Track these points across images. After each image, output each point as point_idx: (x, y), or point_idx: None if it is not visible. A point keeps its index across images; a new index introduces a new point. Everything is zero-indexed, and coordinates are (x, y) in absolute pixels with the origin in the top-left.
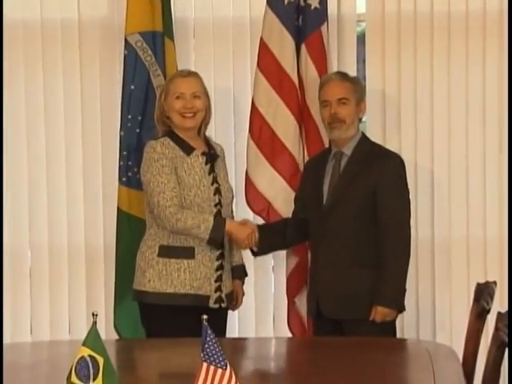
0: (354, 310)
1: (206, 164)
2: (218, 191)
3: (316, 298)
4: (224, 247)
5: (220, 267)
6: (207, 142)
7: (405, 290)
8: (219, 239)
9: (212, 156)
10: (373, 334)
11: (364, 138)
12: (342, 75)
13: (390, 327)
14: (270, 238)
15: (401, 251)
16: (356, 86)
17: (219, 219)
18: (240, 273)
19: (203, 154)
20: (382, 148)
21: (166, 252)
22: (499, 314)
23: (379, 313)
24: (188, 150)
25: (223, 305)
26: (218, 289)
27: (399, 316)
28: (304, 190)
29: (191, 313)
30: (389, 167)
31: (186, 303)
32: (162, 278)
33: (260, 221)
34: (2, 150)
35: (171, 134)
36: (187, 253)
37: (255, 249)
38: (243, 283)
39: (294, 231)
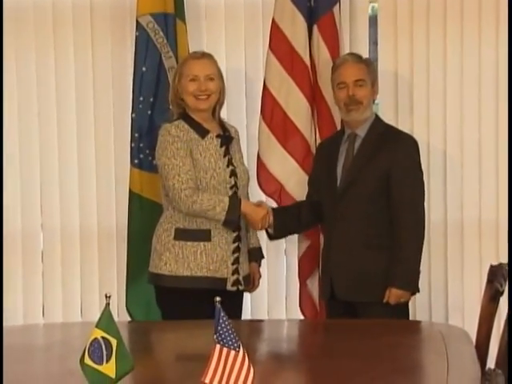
0: (367, 291)
1: (221, 146)
2: (233, 173)
3: (330, 280)
4: (241, 229)
5: (237, 250)
6: (221, 124)
7: (419, 272)
8: (235, 220)
9: (227, 138)
10: (386, 316)
11: (378, 120)
12: (357, 57)
13: (403, 309)
14: (285, 220)
15: (415, 233)
16: (370, 67)
17: (235, 200)
18: (257, 255)
19: (218, 136)
20: (395, 129)
21: (183, 235)
22: None
23: (393, 295)
24: (203, 132)
25: (240, 287)
26: (236, 271)
27: (412, 298)
28: (317, 173)
29: (208, 296)
30: (403, 149)
31: (202, 286)
32: (179, 261)
33: (272, 203)
34: (2, 134)
35: (185, 117)
36: (203, 235)
37: (271, 231)
38: (260, 265)
39: (309, 214)
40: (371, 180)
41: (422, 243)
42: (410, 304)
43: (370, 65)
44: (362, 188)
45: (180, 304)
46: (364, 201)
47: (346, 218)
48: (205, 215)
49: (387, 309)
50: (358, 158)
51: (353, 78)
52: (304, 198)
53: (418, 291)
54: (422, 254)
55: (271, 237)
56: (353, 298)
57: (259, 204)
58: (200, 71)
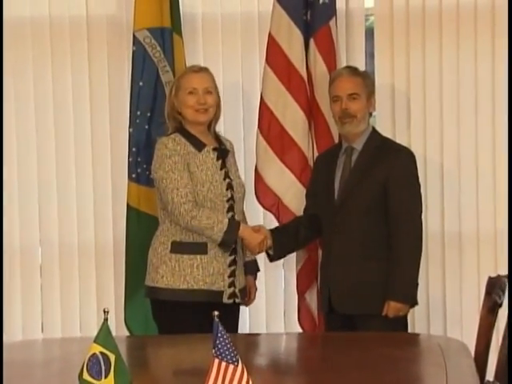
0: (365, 304)
1: (218, 159)
2: (230, 186)
3: (328, 292)
4: (237, 242)
5: (233, 262)
6: (217, 137)
7: (417, 284)
8: (231, 242)
9: (223, 151)
10: (384, 328)
11: (374, 133)
12: (353, 70)
13: (401, 322)
14: (284, 241)
15: (413, 245)
16: (366, 80)
17: (233, 222)
18: (252, 268)
19: (214, 149)
20: (392, 142)
21: (179, 248)
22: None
23: (392, 308)
24: (199, 145)
25: (237, 300)
26: (232, 284)
27: (410, 311)
28: (315, 186)
29: (204, 309)
30: (400, 161)
31: (199, 299)
32: (175, 274)
33: (270, 216)
34: (2, 148)
35: (182, 130)
36: (200, 248)
37: (271, 252)
38: (256, 278)
39: (307, 230)
40: (368, 192)
41: (420, 256)
42: (408, 316)
43: (366, 78)
44: (359, 201)
45: (176, 317)
46: (361, 213)
47: (344, 230)
48: (202, 232)
49: (385, 321)
50: (355, 170)
51: (346, 91)
52: (302, 212)
53: (417, 304)
54: (421, 265)
55: (272, 258)
56: (351, 311)
57: (257, 229)
58: (199, 84)
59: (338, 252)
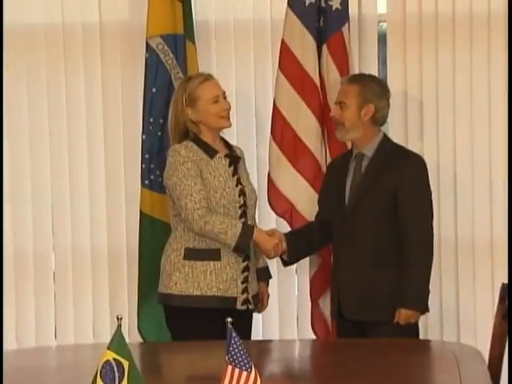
0: (375, 311)
1: (230, 166)
2: (242, 192)
3: (338, 299)
4: (249, 248)
5: (246, 269)
6: (226, 144)
7: (429, 291)
8: (246, 247)
9: (234, 158)
10: (395, 335)
11: (385, 140)
12: (353, 78)
13: (412, 329)
14: (298, 245)
15: (423, 252)
16: (363, 88)
17: (248, 226)
18: (264, 275)
19: (226, 156)
20: (403, 149)
21: (192, 254)
22: None
23: (403, 315)
24: (211, 152)
25: (250, 306)
26: (245, 290)
27: (423, 317)
28: (327, 192)
29: (218, 315)
30: (410, 168)
31: (212, 305)
32: (189, 280)
33: (284, 223)
34: (2, 152)
35: (193, 139)
36: (213, 255)
37: (285, 257)
38: (268, 285)
39: (320, 235)
40: (379, 198)
41: (431, 262)
42: (421, 323)
43: (364, 85)
44: (369, 207)
45: (190, 324)
46: (372, 219)
47: (354, 236)
48: (216, 238)
49: (396, 328)
50: (365, 176)
51: (337, 99)
52: (314, 218)
53: (428, 311)
54: (433, 272)
55: (286, 263)
56: (360, 317)
57: (272, 233)
58: (218, 91)
59: (348, 258)
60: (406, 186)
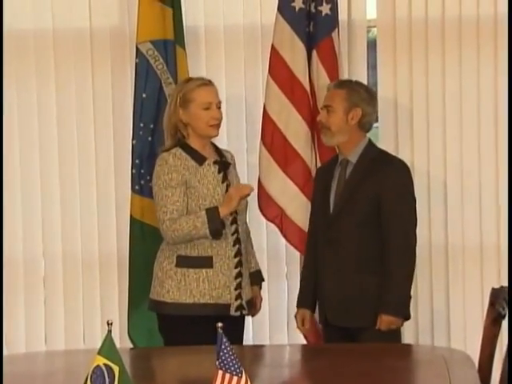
0: (360, 317)
1: (219, 173)
2: None
3: (323, 305)
4: (241, 254)
5: (239, 275)
6: (217, 149)
7: (410, 298)
8: (219, 227)
9: (224, 164)
10: (378, 341)
11: (370, 145)
12: (339, 83)
13: (394, 335)
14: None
15: (405, 259)
16: (350, 92)
17: (211, 209)
18: (257, 278)
19: (215, 162)
20: (387, 155)
21: (184, 262)
22: None
23: (384, 321)
24: (200, 159)
25: (244, 312)
26: (239, 296)
27: (413, 322)
28: (315, 199)
29: (211, 322)
30: (393, 174)
31: (206, 313)
32: (181, 288)
33: (273, 228)
34: (2, 158)
35: (182, 144)
36: (205, 262)
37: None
38: (261, 288)
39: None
40: (362, 205)
41: (413, 269)
42: (411, 328)
43: (351, 90)
44: (353, 213)
45: (183, 331)
46: (355, 226)
47: (338, 242)
48: (191, 237)
49: (379, 334)
50: (349, 183)
51: (324, 103)
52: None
53: (409, 317)
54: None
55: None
56: (344, 323)
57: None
58: (214, 98)
59: (332, 265)
60: (389, 192)
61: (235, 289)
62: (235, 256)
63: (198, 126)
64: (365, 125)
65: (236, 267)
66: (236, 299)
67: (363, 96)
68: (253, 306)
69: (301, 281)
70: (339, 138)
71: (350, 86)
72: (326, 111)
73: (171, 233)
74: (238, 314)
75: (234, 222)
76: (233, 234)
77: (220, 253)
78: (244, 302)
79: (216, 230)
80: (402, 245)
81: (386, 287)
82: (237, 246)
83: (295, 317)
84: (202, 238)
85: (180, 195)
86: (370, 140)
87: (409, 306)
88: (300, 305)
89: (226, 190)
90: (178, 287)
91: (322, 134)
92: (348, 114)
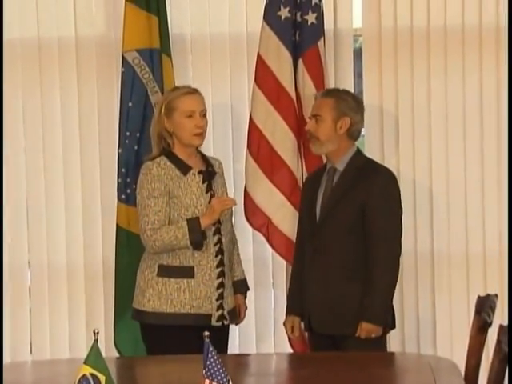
0: (343, 325)
1: (203, 182)
2: None
3: (308, 312)
4: (224, 265)
5: (221, 285)
6: (204, 158)
7: (391, 307)
8: (199, 239)
9: (209, 174)
10: (361, 349)
11: (358, 154)
12: (327, 92)
13: (379, 343)
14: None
15: (388, 268)
16: (338, 101)
17: (192, 219)
18: (242, 287)
19: (200, 172)
20: (373, 163)
21: (166, 272)
22: (501, 326)
23: (364, 329)
24: (185, 169)
25: (226, 322)
26: (220, 307)
27: (399, 330)
28: (302, 208)
29: (192, 331)
30: (378, 182)
31: (186, 323)
32: (162, 297)
33: (260, 236)
34: (2, 165)
35: (167, 153)
36: (187, 272)
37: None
38: (246, 297)
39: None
40: (348, 213)
41: (395, 278)
42: (398, 336)
43: (339, 99)
44: (339, 221)
45: (164, 340)
46: (341, 234)
47: (324, 251)
48: (172, 247)
49: (362, 342)
50: (335, 191)
51: (311, 112)
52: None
53: (390, 327)
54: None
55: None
56: (328, 331)
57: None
58: (197, 107)
59: (317, 272)
60: (374, 201)
61: (217, 299)
62: (217, 266)
63: (181, 135)
64: (353, 133)
65: (218, 277)
66: (217, 309)
67: (351, 105)
68: (236, 315)
69: (289, 288)
70: (328, 146)
71: (338, 94)
72: (314, 120)
73: (152, 243)
74: (220, 324)
75: (218, 232)
76: (215, 245)
77: (202, 263)
78: (226, 313)
79: (197, 240)
80: (386, 254)
81: (368, 295)
82: (219, 256)
83: (284, 324)
84: (183, 248)
85: (162, 205)
86: (358, 148)
87: (388, 315)
88: (289, 312)
89: (210, 201)
90: (159, 296)
91: (311, 144)
92: (337, 123)
